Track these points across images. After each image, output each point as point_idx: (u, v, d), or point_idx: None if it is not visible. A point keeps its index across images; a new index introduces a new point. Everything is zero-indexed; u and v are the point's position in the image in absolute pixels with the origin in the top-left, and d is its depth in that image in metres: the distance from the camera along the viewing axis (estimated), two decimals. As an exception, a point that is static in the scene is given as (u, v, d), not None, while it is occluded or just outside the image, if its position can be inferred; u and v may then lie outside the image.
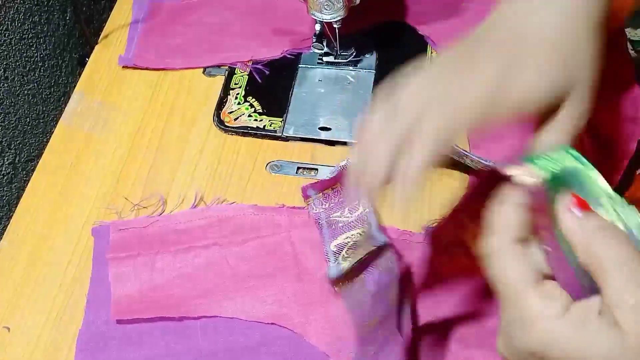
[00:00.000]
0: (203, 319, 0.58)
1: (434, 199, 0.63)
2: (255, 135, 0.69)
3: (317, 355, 0.56)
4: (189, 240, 0.61)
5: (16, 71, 0.73)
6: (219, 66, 0.75)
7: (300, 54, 0.75)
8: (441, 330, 0.56)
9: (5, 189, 0.74)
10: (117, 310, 0.58)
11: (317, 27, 0.69)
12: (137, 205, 0.65)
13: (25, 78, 0.75)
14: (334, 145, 0.68)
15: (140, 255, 0.61)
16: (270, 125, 0.69)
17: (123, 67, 0.76)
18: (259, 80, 0.73)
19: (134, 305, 0.58)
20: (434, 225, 0.61)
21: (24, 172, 0.76)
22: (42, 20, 0.76)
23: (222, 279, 0.59)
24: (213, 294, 0.58)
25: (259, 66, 0.74)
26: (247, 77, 0.74)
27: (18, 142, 0.75)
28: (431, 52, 0.74)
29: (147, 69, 0.76)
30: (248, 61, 0.75)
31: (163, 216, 0.64)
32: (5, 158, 0.73)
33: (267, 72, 0.74)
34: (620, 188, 0.63)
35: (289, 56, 0.75)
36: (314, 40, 0.72)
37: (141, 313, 0.58)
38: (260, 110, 0.71)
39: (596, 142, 0.63)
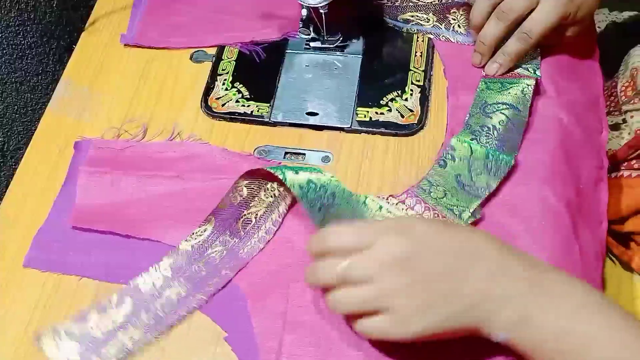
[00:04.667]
0: (147, 241, 0.62)
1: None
2: (243, 121, 0.70)
3: (239, 296, 0.58)
4: (156, 168, 0.66)
5: (3, 59, 0.73)
6: (206, 52, 0.75)
7: (287, 39, 0.75)
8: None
9: (-7, 177, 0.74)
10: (76, 217, 0.63)
11: (304, 12, 0.69)
12: (121, 129, 0.69)
13: (13, 66, 0.75)
14: (321, 130, 0.69)
15: (109, 173, 0.66)
16: (257, 111, 0.70)
17: (125, 45, 0.77)
18: (257, 60, 0.74)
19: (92, 216, 0.63)
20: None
21: (13, 160, 0.76)
22: (29, 8, 0.75)
23: (175, 210, 0.63)
24: (163, 221, 0.63)
25: (257, 48, 0.74)
26: (234, 63, 0.74)
27: (6, 130, 0.75)
28: (417, 38, 0.74)
29: (149, 47, 0.76)
30: (246, 43, 0.75)
31: (140, 143, 0.68)
32: (-7, 146, 0.73)
33: (263, 56, 0.74)
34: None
35: (289, 37, 0.75)
36: (301, 25, 0.72)
37: (96, 224, 0.63)
38: (248, 96, 0.71)
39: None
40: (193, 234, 0.61)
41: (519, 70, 0.69)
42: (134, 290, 0.58)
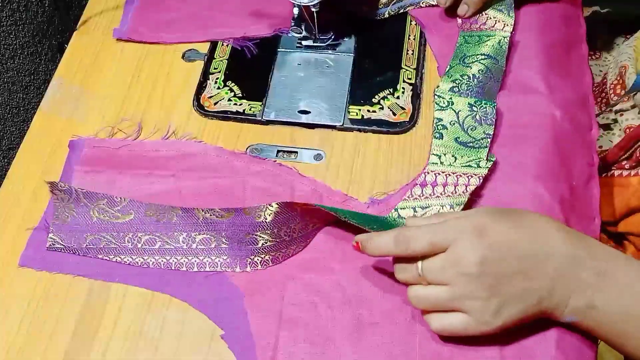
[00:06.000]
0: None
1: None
2: (235, 120, 0.70)
3: (236, 294, 0.59)
4: (150, 167, 0.66)
5: (-5, 59, 0.73)
6: (198, 51, 0.75)
7: (280, 37, 0.75)
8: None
9: (-14, 177, 0.74)
10: None
11: (295, 10, 0.70)
12: (115, 128, 0.69)
13: (5, 66, 0.75)
14: (313, 128, 0.69)
15: (104, 173, 0.66)
16: (250, 109, 0.70)
17: (117, 40, 0.77)
18: (249, 56, 0.74)
19: None
20: (380, 197, 0.63)
21: (5, 160, 0.76)
22: (21, 8, 0.75)
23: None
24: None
25: (249, 43, 0.75)
26: (226, 61, 0.74)
27: (-2, 130, 0.75)
28: (409, 35, 0.74)
29: (141, 42, 0.76)
30: (238, 38, 0.75)
31: (135, 142, 0.68)
32: (-14, 146, 0.73)
33: (255, 52, 0.74)
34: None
35: (281, 33, 0.75)
36: (293, 24, 0.72)
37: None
38: (240, 95, 0.71)
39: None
40: (213, 210, 0.61)
41: (492, 12, 0.72)
42: (140, 212, 0.62)
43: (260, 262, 0.60)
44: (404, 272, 0.54)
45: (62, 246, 0.61)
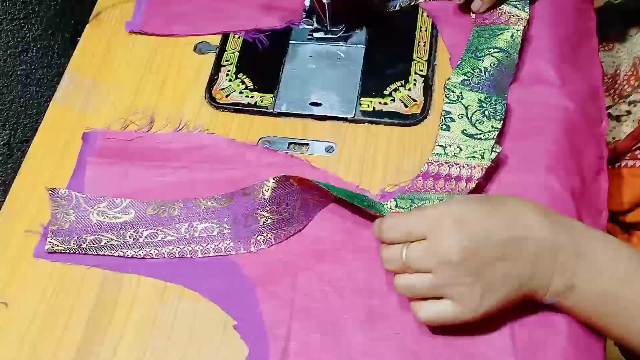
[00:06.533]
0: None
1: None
2: (246, 112, 0.70)
3: (248, 285, 0.59)
4: (164, 159, 0.67)
5: (8, 52, 0.74)
6: (209, 43, 0.76)
7: (291, 29, 0.75)
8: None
9: (0, 169, 0.74)
10: None
11: (307, 2, 0.70)
12: (128, 120, 0.70)
13: (18, 59, 0.75)
14: (325, 120, 0.69)
15: (117, 164, 0.67)
16: (261, 102, 0.70)
17: (129, 33, 0.77)
18: (260, 47, 0.74)
19: None
20: (391, 189, 0.64)
21: (19, 152, 0.77)
22: (33, 1, 0.76)
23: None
24: None
25: (260, 36, 0.75)
26: (238, 54, 0.74)
27: (12, 122, 0.76)
28: (420, 27, 0.74)
29: (153, 34, 0.77)
30: (250, 30, 0.75)
31: (148, 134, 0.69)
32: (0, 139, 0.74)
33: (266, 44, 0.74)
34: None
35: (293, 25, 0.75)
36: (304, 16, 0.72)
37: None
38: (252, 87, 0.71)
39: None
40: (214, 197, 0.62)
41: (507, 7, 0.72)
42: (141, 211, 0.62)
43: (263, 241, 0.60)
44: (389, 263, 0.54)
45: (62, 248, 0.61)
